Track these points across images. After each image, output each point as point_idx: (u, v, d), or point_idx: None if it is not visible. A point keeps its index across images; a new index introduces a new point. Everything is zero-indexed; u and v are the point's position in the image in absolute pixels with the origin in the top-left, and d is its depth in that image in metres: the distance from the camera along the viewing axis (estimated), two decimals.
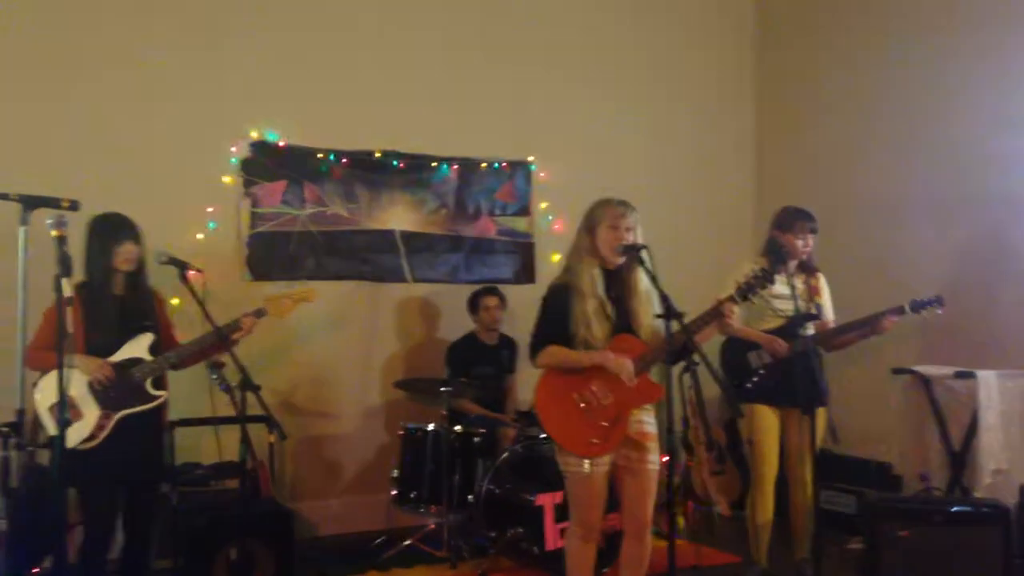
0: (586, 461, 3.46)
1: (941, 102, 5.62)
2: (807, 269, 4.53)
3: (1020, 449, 4.72)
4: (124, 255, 3.75)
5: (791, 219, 4.46)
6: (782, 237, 4.44)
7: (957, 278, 5.36)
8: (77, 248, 3.58)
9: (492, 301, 5.61)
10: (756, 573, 4.58)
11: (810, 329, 4.43)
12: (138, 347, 3.77)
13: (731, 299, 3.43)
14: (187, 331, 4.15)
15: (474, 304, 5.65)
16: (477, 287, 5.77)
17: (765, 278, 3.44)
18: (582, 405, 3.49)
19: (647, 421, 3.59)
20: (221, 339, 3.82)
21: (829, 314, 4.57)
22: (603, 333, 3.47)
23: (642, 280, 3.53)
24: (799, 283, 4.47)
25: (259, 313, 4.03)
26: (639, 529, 3.57)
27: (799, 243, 4.43)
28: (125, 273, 3.79)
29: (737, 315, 4.44)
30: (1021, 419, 4.76)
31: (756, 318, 4.54)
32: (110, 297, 3.76)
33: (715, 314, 3.44)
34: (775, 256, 4.19)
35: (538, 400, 3.59)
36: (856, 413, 4.75)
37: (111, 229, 3.76)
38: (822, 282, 4.58)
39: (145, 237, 3.84)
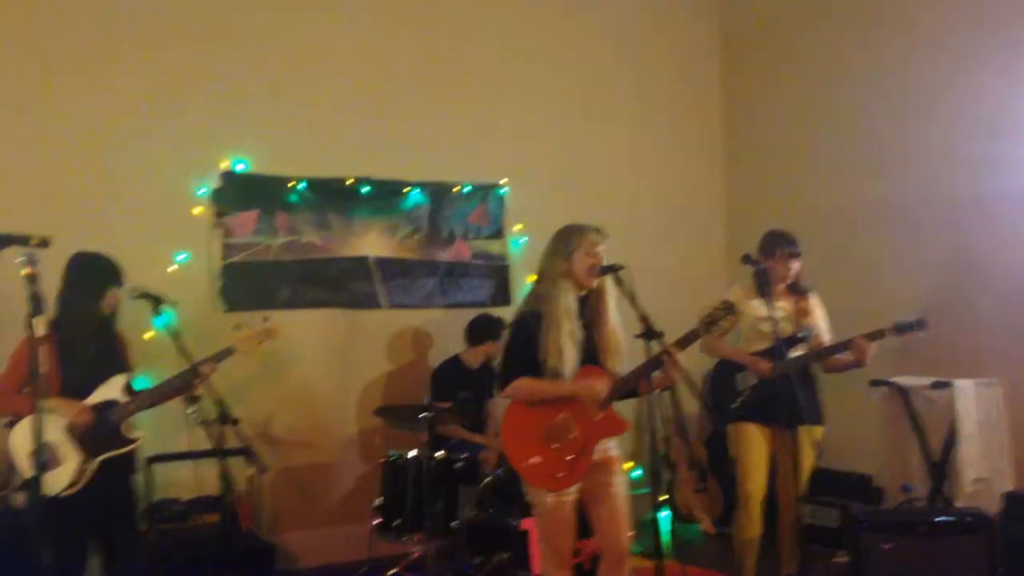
0: (550, 495, 3.45)
1: (910, 110, 5.68)
2: (797, 290, 4.54)
3: (999, 457, 4.76)
4: (110, 300, 3.73)
5: (773, 245, 4.49)
6: (764, 262, 4.45)
7: (932, 286, 5.41)
8: (52, 285, 3.52)
9: (494, 349, 5.51)
10: None
11: (799, 350, 4.44)
12: (112, 389, 3.71)
13: (677, 344, 3.37)
14: (162, 366, 4.10)
15: (495, 334, 5.53)
16: (476, 315, 5.66)
17: (728, 311, 3.43)
18: (547, 437, 3.47)
19: (611, 445, 3.59)
20: (189, 382, 3.77)
21: (824, 336, 4.56)
22: (573, 361, 3.45)
23: (611, 308, 3.53)
24: (787, 305, 4.49)
25: (228, 352, 3.99)
26: (618, 556, 3.55)
27: (780, 269, 4.45)
28: (103, 316, 3.74)
29: (724, 340, 4.49)
30: (999, 427, 4.80)
31: (744, 340, 4.58)
32: (88, 338, 3.70)
33: (655, 363, 3.35)
34: (759, 280, 4.21)
35: (504, 434, 3.58)
36: (836, 426, 4.76)
37: (102, 273, 3.73)
38: (813, 303, 4.58)
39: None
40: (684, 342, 3.44)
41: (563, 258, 3.52)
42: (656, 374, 3.43)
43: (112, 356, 3.78)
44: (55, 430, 3.56)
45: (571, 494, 3.48)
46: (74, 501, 3.56)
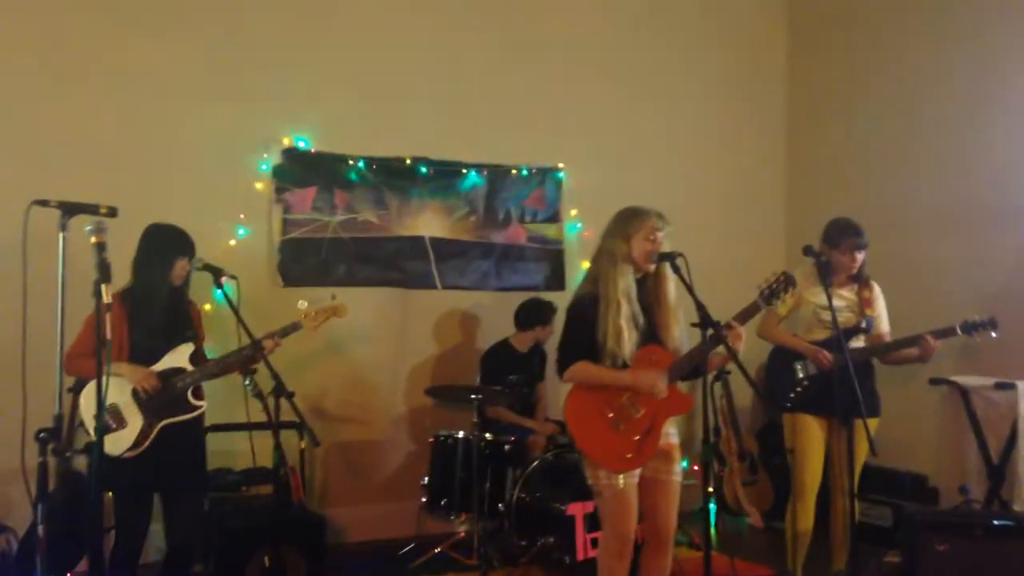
0: (620, 476, 3.43)
1: (983, 107, 5.53)
2: (859, 279, 4.46)
3: None
4: (180, 271, 3.81)
5: (838, 235, 4.38)
6: (828, 253, 4.37)
7: (997, 287, 5.28)
8: (117, 253, 3.60)
9: (545, 333, 5.57)
10: None
11: (860, 341, 4.37)
12: (179, 357, 3.81)
13: (737, 318, 3.36)
14: (220, 337, 4.17)
15: (527, 325, 5.57)
16: (526, 299, 5.68)
17: (788, 282, 3.39)
18: (613, 419, 3.46)
19: (670, 432, 3.57)
20: (253, 355, 3.87)
21: (883, 325, 4.47)
22: (633, 343, 3.43)
23: (670, 290, 3.50)
24: (850, 294, 4.42)
25: (294, 327, 4.08)
26: (662, 541, 3.55)
27: (845, 259, 4.36)
28: (172, 286, 3.83)
29: (779, 322, 4.43)
30: None
31: (804, 328, 4.49)
32: (159, 306, 3.78)
33: (716, 339, 3.31)
34: (821, 271, 4.12)
35: (568, 416, 3.56)
36: (893, 424, 4.67)
37: (174, 243, 3.82)
38: (875, 292, 4.49)
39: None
40: (744, 316, 3.41)
41: (623, 240, 3.49)
42: (717, 352, 3.41)
43: (181, 325, 3.87)
44: (121, 393, 3.67)
45: (635, 478, 3.46)
46: (140, 461, 3.68)
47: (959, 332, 4.27)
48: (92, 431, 3.64)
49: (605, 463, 3.45)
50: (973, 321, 4.29)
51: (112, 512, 3.84)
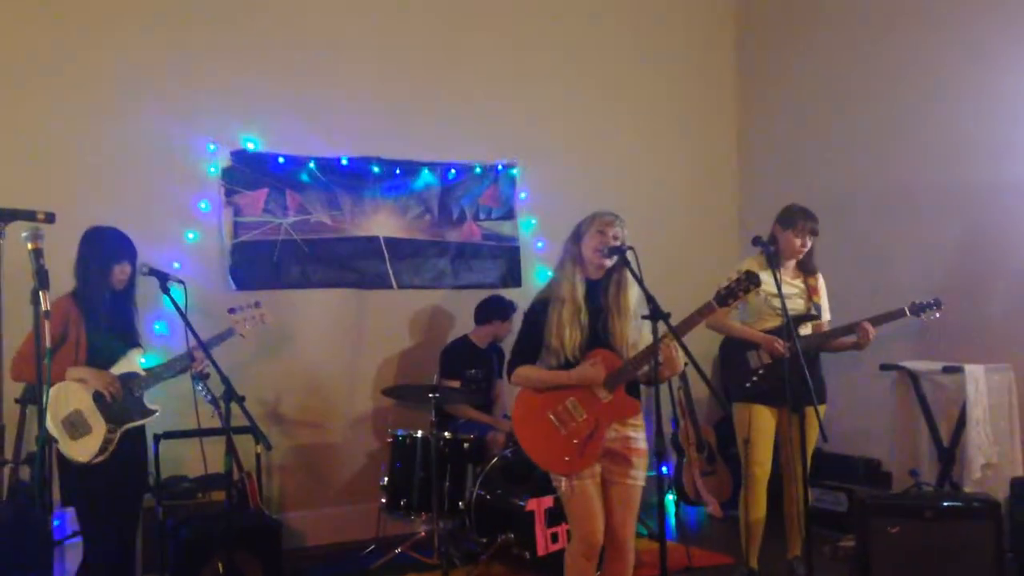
0: (564, 479, 3.44)
1: (927, 96, 5.63)
2: (807, 269, 4.52)
3: (1009, 443, 4.74)
4: (119, 275, 3.77)
5: (794, 217, 4.43)
6: (781, 234, 4.42)
7: (944, 272, 5.38)
8: (65, 258, 3.56)
9: (503, 329, 5.59)
10: (742, 574, 4.56)
11: (808, 329, 4.43)
12: (132, 362, 3.81)
13: (671, 334, 3.33)
14: (169, 341, 4.13)
15: (503, 315, 5.59)
16: (487, 296, 5.71)
17: (750, 281, 3.41)
18: (556, 423, 3.45)
19: (635, 437, 3.52)
20: (184, 367, 3.91)
21: (825, 315, 4.56)
22: (574, 342, 3.43)
23: (631, 297, 3.49)
24: (798, 283, 4.47)
25: (229, 332, 4.20)
26: (620, 545, 3.51)
27: (796, 241, 4.40)
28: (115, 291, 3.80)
29: (733, 315, 4.48)
30: (1009, 413, 4.77)
31: (755, 317, 4.52)
32: (102, 310, 3.75)
33: (655, 349, 3.30)
34: (769, 258, 4.16)
35: (515, 418, 3.58)
36: (845, 410, 4.75)
37: (110, 248, 3.77)
38: (820, 283, 4.56)
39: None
40: (697, 317, 3.42)
41: (574, 242, 3.56)
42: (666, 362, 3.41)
43: (131, 329, 3.86)
44: (84, 398, 3.65)
45: (591, 478, 3.44)
46: (98, 468, 3.65)
47: (908, 313, 4.38)
48: (58, 438, 3.60)
49: (547, 465, 3.49)
50: (920, 302, 4.42)
51: (80, 522, 3.79)
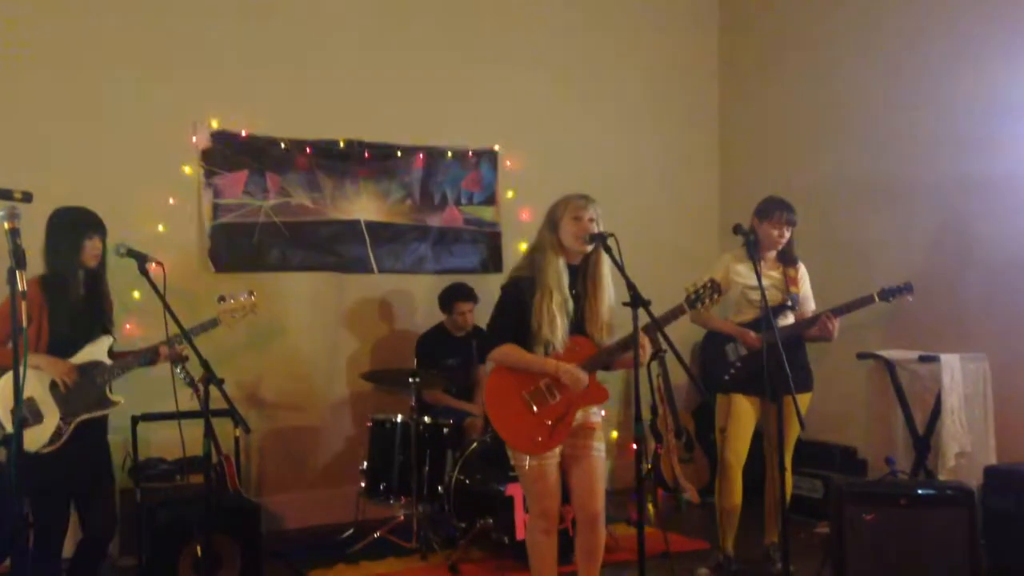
0: (530, 458, 3.48)
1: (906, 86, 5.66)
2: (786, 260, 4.54)
3: (983, 432, 4.79)
4: (91, 251, 3.68)
5: (770, 208, 4.46)
6: (759, 226, 4.45)
7: (920, 262, 5.43)
8: (32, 240, 3.50)
9: (466, 307, 5.52)
10: (718, 560, 4.60)
11: (788, 318, 4.46)
12: (98, 350, 3.73)
13: (663, 318, 3.46)
14: (146, 325, 4.08)
15: (448, 306, 5.56)
16: (449, 283, 5.68)
17: (714, 290, 3.49)
18: (529, 403, 3.49)
19: (592, 411, 3.62)
20: (153, 357, 3.82)
21: (809, 304, 4.58)
22: (564, 331, 3.47)
23: (604, 276, 3.54)
24: (776, 273, 4.49)
25: (212, 323, 4.02)
26: (591, 519, 3.58)
27: (774, 232, 4.42)
28: (88, 270, 3.72)
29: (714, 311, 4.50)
30: (984, 402, 4.82)
31: (733, 310, 4.56)
32: (75, 293, 3.68)
33: (627, 342, 3.40)
34: (747, 242, 4.19)
35: (487, 397, 3.61)
36: (821, 398, 4.77)
37: (79, 224, 3.69)
38: (801, 273, 4.57)
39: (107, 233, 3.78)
40: (670, 317, 3.51)
41: (550, 229, 3.54)
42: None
43: (99, 314, 3.77)
44: (38, 386, 3.57)
45: (553, 457, 3.51)
46: (55, 459, 3.57)
47: (876, 300, 4.44)
48: (5, 426, 3.53)
49: (515, 444, 3.53)
50: (890, 287, 4.46)
51: (30, 513, 3.74)
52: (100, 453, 3.81)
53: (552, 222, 3.55)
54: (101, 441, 3.82)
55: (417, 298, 5.95)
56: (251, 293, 4.19)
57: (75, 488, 3.71)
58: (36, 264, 3.65)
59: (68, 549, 3.82)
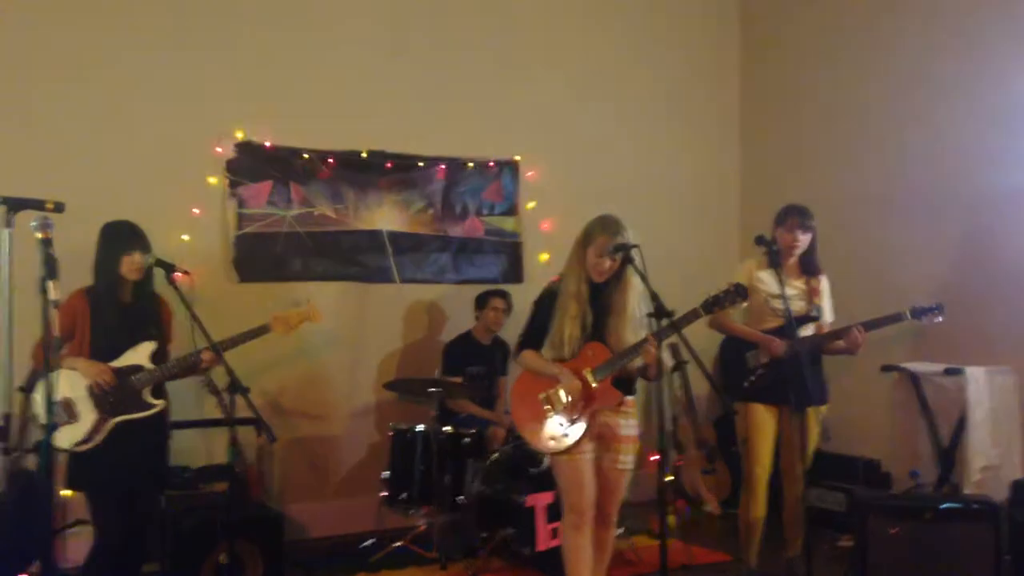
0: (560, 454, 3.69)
1: (930, 99, 5.63)
2: (809, 270, 4.51)
3: (1009, 445, 4.75)
4: (130, 264, 3.78)
5: (784, 214, 4.45)
6: (774, 232, 4.44)
7: (946, 275, 5.38)
8: (70, 248, 3.56)
9: (500, 303, 5.61)
10: (741, 573, 4.57)
11: (809, 330, 4.43)
12: (140, 355, 3.80)
13: (656, 335, 3.52)
14: (177, 335, 4.11)
15: (483, 301, 5.65)
16: (471, 292, 5.76)
17: (738, 293, 3.57)
18: (544, 404, 3.71)
19: (624, 424, 3.77)
20: (195, 363, 3.85)
21: (828, 316, 4.52)
22: (573, 338, 3.66)
23: (630, 300, 3.66)
24: (800, 283, 4.46)
25: (263, 330, 4.09)
26: (604, 517, 3.81)
27: (788, 237, 4.40)
28: (133, 282, 3.82)
29: (737, 316, 4.50)
30: (1010, 415, 4.78)
31: (755, 316, 4.52)
32: (116, 303, 3.79)
33: (638, 348, 3.57)
34: (769, 252, 4.18)
35: (513, 396, 3.90)
36: (845, 411, 4.76)
37: (120, 238, 3.81)
38: (823, 284, 4.52)
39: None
40: (682, 321, 3.54)
41: (582, 247, 3.72)
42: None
43: (143, 322, 3.86)
44: (76, 388, 3.68)
45: (585, 453, 3.69)
46: (98, 456, 3.68)
47: (908, 317, 4.37)
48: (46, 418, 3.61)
49: (533, 442, 3.78)
50: (921, 307, 4.39)
51: (89, 512, 3.82)
52: (149, 457, 3.87)
53: (584, 242, 3.71)
54: (151, 447, 3.88)
55: (438, 308, 5.98)
56: (309, 300, 4.30)
57: (118, 488, 3.77)
58: (76, 271, 3.72)
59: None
